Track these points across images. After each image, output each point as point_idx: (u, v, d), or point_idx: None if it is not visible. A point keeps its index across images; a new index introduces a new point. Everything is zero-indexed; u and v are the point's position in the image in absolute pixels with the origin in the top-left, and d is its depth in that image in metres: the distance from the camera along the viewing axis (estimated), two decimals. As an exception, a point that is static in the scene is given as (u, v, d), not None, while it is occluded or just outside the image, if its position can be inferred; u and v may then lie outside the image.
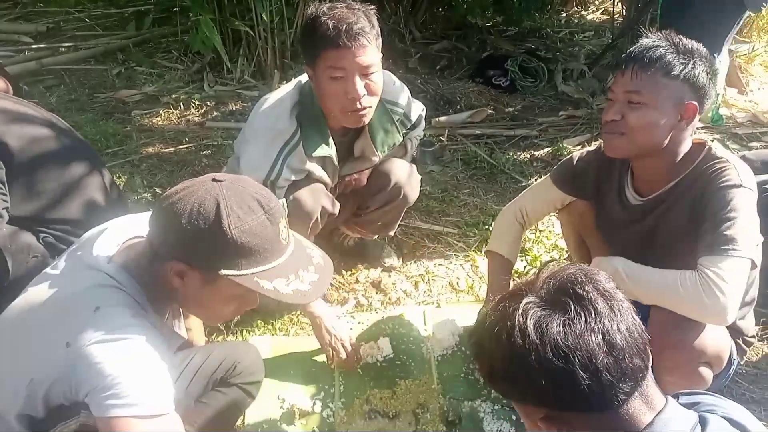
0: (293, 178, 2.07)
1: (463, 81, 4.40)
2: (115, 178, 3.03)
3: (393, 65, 4.48)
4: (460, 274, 2.69)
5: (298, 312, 2.38)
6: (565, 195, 2.10)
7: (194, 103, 3.90)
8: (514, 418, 2.05)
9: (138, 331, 1.29)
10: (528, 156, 3.54)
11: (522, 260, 2.75)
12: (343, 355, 2.16)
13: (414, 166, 2.48)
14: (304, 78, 2.12)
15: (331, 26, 1.87)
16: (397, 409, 2.06)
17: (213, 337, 2.26)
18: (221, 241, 1.27)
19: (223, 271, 1.29)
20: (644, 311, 1.59)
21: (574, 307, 0.97)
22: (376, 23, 1.95)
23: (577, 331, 0.95)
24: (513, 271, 2.62)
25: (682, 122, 1.71)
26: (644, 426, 0.99)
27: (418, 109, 2.36)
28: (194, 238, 1.27)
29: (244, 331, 2.35)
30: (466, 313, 2.43)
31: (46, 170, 2.09)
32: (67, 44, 4.48)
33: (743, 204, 1.66)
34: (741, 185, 1.67)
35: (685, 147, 1.76)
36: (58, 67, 4.20)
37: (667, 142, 1.73)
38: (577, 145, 3.64)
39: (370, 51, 1.93)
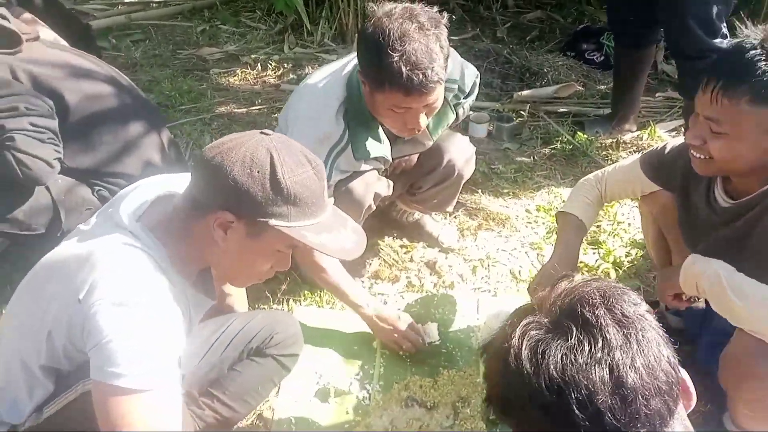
0: (341, 177, 1.99)
1: (553, 54, 4.11)
2: (184, 135, 3.07)
3: (479, 35, 4.27)
4: (524, 262, 2.51)
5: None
6: (648, 182, 1.89)
7: (271, 65, 3.87)
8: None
9: (149, 297, 1.25)
10: (615, 139, 3.25)
11: (594, 253, 2.54)
12: (409, 345, 2.08)
13: (467, 139, 2.33)
14: (351, 64, 1.98)
15: (404, 73, 1.68)
16: (437, 400, 1.95)
17: (258, 304, 2.22)
18: (275, 189, 1.25)
19: (273, 221, 1.27)
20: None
21: (577, 334, 0.81)
22: (446, 44, 1.78)
23: (579, 363, 0.79)
24: (581, 264, 2.44)
25: None
26: None
27: (471, 75, 2.18)
28: (247, 185, 1.24)
29: (291, 300, 2.29)
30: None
31: (104, 125, 2.10)
32: (157, 0, 4.55)
33: None
34: None
35: None
36: (146, 22, 4.28)
37: (760, 163, 1.47)
38: (672, 131, 3.32)
39: (440, 86, 1.80)
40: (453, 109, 2.12)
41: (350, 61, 2.00)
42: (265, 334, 1.86)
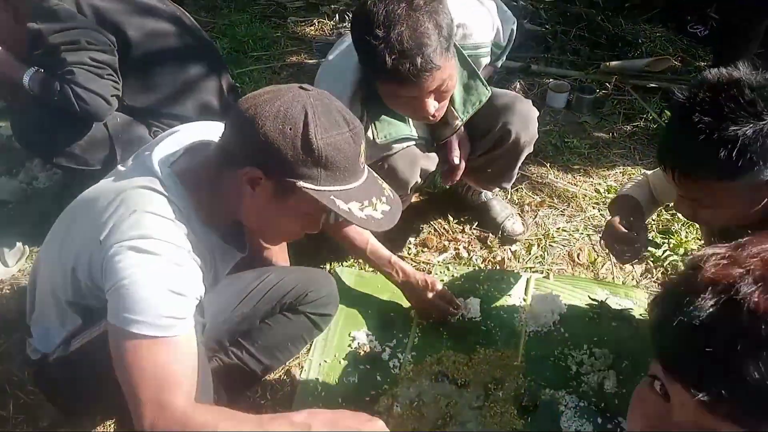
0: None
1: (651, 24, 3.79)
2: (252, 82, 3.06)
3: (572, -3, 3.99)
4: (584, 245, 2.36)
5: (391, 246, 2.23)
6: None
7: (348, 16, 3.76)
8: (599, 420, 1.77)
9: (168, 246, 1.23)
10: (707, 122, 2.97)
11: (664, 242, 2.34)
12: (438, 314, 2.01)
13: (529, 102, 2.05)
14: None
15: (389, 63, 1.51)
16: (469, 378, 1.88)
17: (300, 259, 2.19)
18: (306, 149, 1.19)
19: (301, 183, 1.21)
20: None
21: None
22: (444, 24, 1.55)
23: None
24: (652, 254, 2.27)
25: None
26: None
27: (509, 28, 1.96)
28: (277, 143, 1.19)
29: (333, 259, 2.25)
30: (577, 291, 2.13)
31: (163, 65, 2.10)
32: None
33: None
34: None
35: None
36: (233, -38, 4.26)
37: (757, 215, 1.33)
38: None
39: (439, 71, 1.58)
40: (483, 81, 1.90)
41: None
42: (300, 291, 1.83)
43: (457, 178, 2.05)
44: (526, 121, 2.02)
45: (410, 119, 1.86)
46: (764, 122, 1.18)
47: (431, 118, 1.72)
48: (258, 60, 3.31)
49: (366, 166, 1.33)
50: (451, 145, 1.99)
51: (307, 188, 1.22)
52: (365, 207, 1.29)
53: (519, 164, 2.15)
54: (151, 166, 1.32)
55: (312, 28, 3.70)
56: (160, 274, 1.21)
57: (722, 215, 1.37)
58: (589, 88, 3.15)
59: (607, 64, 3.36)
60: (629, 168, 2.74)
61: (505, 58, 2.10)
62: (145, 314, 1.18)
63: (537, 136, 2.10)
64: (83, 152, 2.03)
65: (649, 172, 1.86)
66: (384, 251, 1.97)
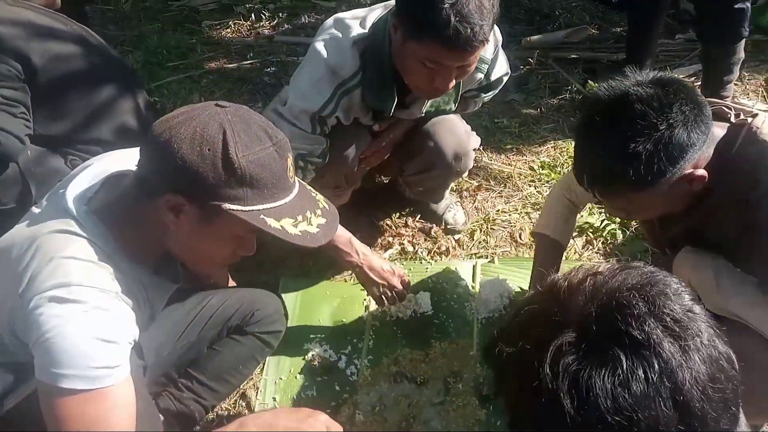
0: (343, 120, 1.83)
1: (566, -6, 3.85)
2: (171, 95, 2.94)
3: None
4: (525, 224, 2.38)
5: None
6: None
7: (265, 15, 3.67)
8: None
9: (92, 292, 1.16)
10: (629, 87, 3.04)
11: (600, 213, 2.38)
12: (392, 296, 1.90)
13: (468, 134, 2.09)
14: (380, 7, 1.81)
15: (452, 24, 1.51)
16: (428, 375, 1.87)
17: (242, 275, 2.12)
18: (227, 170, 1.13)
19: (227, 206, 1.15)
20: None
21: (628, 359, 0.66)
22: (497, 5, 1.60)
23: (635, 395, 0.65)
24: (587, 226, 2.31)
25: (693, 185, 1.30)
26: None
27: (501, 71, 1.99)
28: (196, 166, 1.12)
29: (277, 270, 2.20)
30: (523, 272, 2.15)
31: (74, 89, 1.97)
32: (149, -53, 4.33)
33: None
34: None
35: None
36: (137, -29, 4.08)
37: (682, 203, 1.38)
38: (692, 77, 3.09)
39: (480, 48, 1.61)
40: (456, 98, 1.94)
41: (380, 7, 1.82)
42: (246, 311, 1.79)
43: (371, 162, 2.04)
44: (460, 155, 2.06)
45: (394, 97, 1.82)
46: (661, 131, 1.20)
47: (443, 89, 1.71)
48: (175, 70, 3.17)
49: (296, 180, 1.28)
50: (387, 132, 2.00)
51: (234, 210, 1.15)
52: (299, 222, 1.23)
53: (448, 188, 2.23)
54: (66, 206, 1.23)
55: (228, 30, 3.58)
56: (86, 322, 1.13)
57: (650, 213, 1.42)
58: (513, 66, 3.15)
59: (528, 39, 3.39)
60: (560, 142, 2.78)
61: (480, 103, 2.14)
62: (73, 367, 1.11)
63: (470, 167, 2.15)
64: (-5, 192, 1.90)
65: (562, 181, 1.90)
66: (343, 234, 1.84)
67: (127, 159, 1.37)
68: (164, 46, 3.30)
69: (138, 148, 1.41)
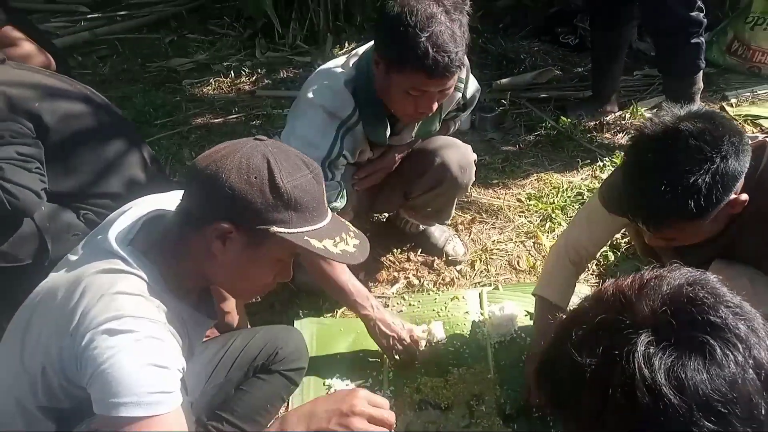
0: (350, 158, 1.93)
1: (528, 40, 4.11)
2: (162, 150, 2.99)
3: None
4: (521, 252, 2.49)
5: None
6: (620, 218, 1.71)
7: (245, 71, 3.79)
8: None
9: (143, 322, 1.19)
10: (598, 121, 3.25)
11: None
12: (409, 354, 1.97)
13: (468, 147, 2.24)
14: (361, 49, 1.94)
15: (430, 55, 1.64)
16: (450, 400, 1.92)
17: (255, 318, 2.16)
18: (275, 195, 1.21)
19: (275, 228, 1.22)
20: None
21: (716, 342, 0.72)
22: (467, 31, 1.74)
23: (729, 375, 0.71)
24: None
25: (736, 209, 1.41)
26: None
27: (472, 88, 2.14)
28: (245, 193, 1.19)
29: (289, 311, 2.24)
30: (527, 297, 2.24)
31: (83, 146, 2.02)
32: (122, 13, 4.44)
33: None
34: None
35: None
36: (112, 36, 4.17)
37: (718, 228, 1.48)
38: (653, 108, 3.32)
39: (456, 74, 1.76)
40: (440, 117, 2.08)
41: (358, 50, 1.95)
42: (270, 350, 1.82)
43: (367, 183, 2.14)
44: (462, 164, 2.18)
45: (387, 127, 1.94)
46: (716, 163, 1.29)
47: (427, 113, 1.83)
48: (164, 127, 3.24)
49: (327, 206, 1.36)
50: (381, 158, 2.12)
51: (281, 232, 1.22)
52: (338, 243, 1.31)
53: (455, 204, 2.31)
54: (110, 248, 1.27)
55: (209, 87, 3.68)
56: (139, 350, 1.16)
57: (695, 239, 1.47)
58: (489, 107, 3.34)
59: (499, 82, 3.59)
60: (542, 174, 2.93)
61: (459, 123, 2.29)
62: (130, 395, 1.13)
63: (474, 180, 2.26)
64: (12, 249, 1.91)
65: (561, 240, 1.93)
66: (360, 290, 1.95)
67: (161, 201, 1.43)
68: (150, 105, 3.37)
69: (166, 193, 1.49)
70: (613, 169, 2.47)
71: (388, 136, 1.96)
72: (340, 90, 1.87)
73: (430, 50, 1.64)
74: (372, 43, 1.87)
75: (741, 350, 0.72)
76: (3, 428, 1.36)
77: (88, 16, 4.41)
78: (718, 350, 0.72)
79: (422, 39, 1.64)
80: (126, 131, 2.19)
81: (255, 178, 1.20)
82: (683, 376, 0.71)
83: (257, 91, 3.61)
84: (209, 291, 1.49)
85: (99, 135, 2.07)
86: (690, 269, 0.83)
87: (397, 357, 1.98)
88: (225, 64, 3.88)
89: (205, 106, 3.47)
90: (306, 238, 1.25)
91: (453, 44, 1.67)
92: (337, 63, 1.96)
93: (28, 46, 2.41)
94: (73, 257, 1.35)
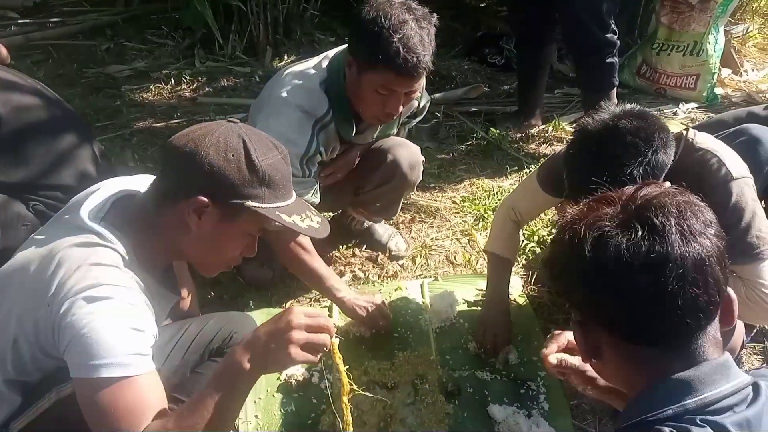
0: (324, 154, 2.06)
1: (458, 59, 4.36)
2: (106, 150, 2.98)
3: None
4: (457, 248, 2.66)
5: (292, 284, 2.34)
6: (552, 198, 2.02)
7: (185, 79, 3.84)
8: (521, 391, 2.03)
9: (119, 289, 1.26)
10: (524, 133, 3.51)
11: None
12: (387, 319, 2.14)
13: (417, 148, 2.40)
14: (331, 53, 2.07)
15: (401, 54, 1.79)
16: (396, 380, 2.04)
17: (205, 311, 2.21)
18: (250, 172, 1.30)
19: (249, 203, 1.31)
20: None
21: (643, 233, 0.91)
22: (434, 41, 1.89)
23: (633, 261, 0.90)
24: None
25: None
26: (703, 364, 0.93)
27: (425, 98, 2.34)
28: (223, 169, 1.28)
29: (240, 304, 2.31)
30: (464, 287, 2.41)
31: (35, 138, 2.04)
32: (54, 20, 4.39)
33: (743, 197, 1.65)
34: (733, 178, 1.65)
35: None
36: (46, 42, 4.12)
37: None
38: (573, 122, 3.62)
39: (423, 76, 1.91)
40: (398, 123, 2.28)
41: (328, 54, 2.07)
42: (224, 334, 1.88)
43: (331, 179, 2.27)
44: (412, 162, 2.35)
45: (354, 127, 2.08)
46: (648, 157, 1.49)
47: (393, 113, 1.96)
48: (105, 129, 3.25)
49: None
50: (342, 155, 2.25)
51: (255, 206, 1.32)
52: (305, 219, 1.43)
53: (401, 200, 2.48)
54: (82, 224, 1.33)
55: (149, 94, 3.71)
56: (118, 315, 1.23)
57: None
58: (424, 118, 3.52)
59: (433, 96, 3.79)
60: (474, 179, 3.14)
61: (415, 122, 2.47)
62: (111, 356, 1.19)
63: (421, 179, 2.43)
64: (-40, 238, 1.90)
65: (515, 194, 2.19)
66: (332, 274, 2.15)
67: (127, 183, 1.50)
68: (90, 107, 3.37)
69: (134, 176, 1.56)
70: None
71: (353, 134, 2.09)
72: (315, 90, 1.99)
73: (401, 50, 1.79)
74: (341, 48, 2.01)
75: (657, 249, 0.91)
76: None
77: (19, 21, 4.33)
78: (639, 235, 0.92)
79: (394, 39, 1.78)
80: (77, 126, 2.22)
81: (232, 155, 1.29)
82: (605, 238, 0.94)
83: (198, 98, 3.67)
84: (173, 269, 1.56)
85: (50, 128, 2.10)
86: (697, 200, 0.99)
87: (380, 323, 2.13)
88: (164, 72, 3.91)
89: (146, 111, 3.50)
90: (277, 213, 1.35)
91: (422, 48, 1.82)
92: (309, 64, 2.07)
93: None
94: (39, 237, 1.39)
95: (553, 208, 2.33)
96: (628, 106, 1.62)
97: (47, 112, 2.10)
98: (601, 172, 1.47)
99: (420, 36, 1.83)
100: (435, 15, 1.92)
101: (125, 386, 1.21)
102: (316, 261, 2.05)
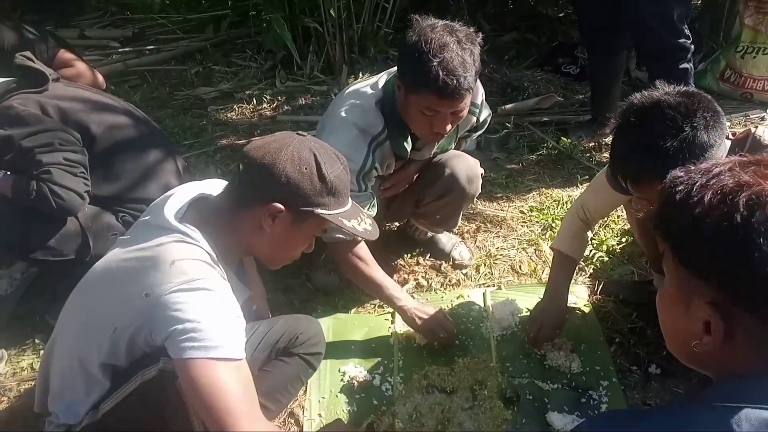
0: (380, 170, 2.15)
1: (531, 70, 4.35)
2: (191, 167, 3.22)
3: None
4: (523, 258, 2.67)
5: (358, 291, 2.43)
6: (620, 196, 1.99)
7: (266, 99, 4.05)
8: (582, 400, 2.01)
9: (213, 281, 1.41)
10: (596, 142, 3.45)
11: (590, 242, 2.68)
12: (448, 331, 2.18)
13: (476, 161, 2.44)
14: (389, 72, 2.17)
15: (440, 78, 1.84)
16: (455, 385, 2.08)
17: (276, 313, 2.34)
18: (321, 183, 1.48)
19: (318, 210, 1.49)
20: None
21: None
22: (478, 61, 1.93)
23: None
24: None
25: None
26: None
27: (486, 112, 2.39)
28: (297, 181, 1.46)
29: (308, 308, 2.42)
30: (527, 296, 2.41)
31: (125, 154, 2.26)
32: (150, 47, 4.75)
33: None
34: None
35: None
36: (142, 68, 4.46)
37: None
38: (650, 130, 3.52)
39: (468, 96, 1.95)
40: (456, 135, 2.32)
41: (384, 74, 2.18)
42: (291, 335, 2.00)
43: (391, 192, 2.36)
44: (470, 175, 2.40)
45: (410, 144, 2.16)
46: (686, 132, 1.48)
47: (442, 133, 2.03)
48: (191, 147, 3.49)
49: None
50: (402, 170, 2.33)
51: (323, 214, 1.49)
52: (360, 222, 1.60)
53: (461, 213, 2.53)
54: (167, 224, 1.48)
55: (233, 113, 3.94)
56: (222, 304, 1.39)
57: None
58: (493, 129, 3.55)
59: (503, 107, 3.82)
60: (543, 189, 3.12)
61: (475, 136, 2.52)
62: (225, 341, 1.34)
63: (480, 191, 2.47)
64: (58, 244, 2.12)
65: (585, 193, 2.20)
66: (392, 282, 2.21)
67: (200, 187, 1.65)
68: (179, 127, 3.63)
69: (205, 181, 1.71)
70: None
71: (409, 150, 2.17)
72: (371, 109, 2.09)
73: (441, 74, 1.85)
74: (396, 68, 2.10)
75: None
76: (62, 392, 1.54)
77: (120, 50, 4.73)
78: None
79: (434, 63, 1.84)
80: (164, 143, 2.43)
81: (305, 168, 1.46)
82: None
83: (278, 116, 3.86)
84: (243, 266, 1.71)
85: (139, 145, 2.31)
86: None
87: (441, 335, 2.17)
88: (247, 92, 4.14)
89: (230, 129, 3.73)
90: (340, 218, 1.53)
91: (462, 69, 1.87)
92: (367, 83, 2.18)
93: (80, 66, 2.69)
94: (127, 237, 1.56)
95: (626, 218, 2.29)
96: (686, 87, 1.60)
97: (136, 131, 2.32)
98: (638, 143, 1.52)
99: (461, 58, 1.87)
100: (480, 34, 1.96)
101: (242, 367, 1.37)
102: (374, 270, 2.14)
